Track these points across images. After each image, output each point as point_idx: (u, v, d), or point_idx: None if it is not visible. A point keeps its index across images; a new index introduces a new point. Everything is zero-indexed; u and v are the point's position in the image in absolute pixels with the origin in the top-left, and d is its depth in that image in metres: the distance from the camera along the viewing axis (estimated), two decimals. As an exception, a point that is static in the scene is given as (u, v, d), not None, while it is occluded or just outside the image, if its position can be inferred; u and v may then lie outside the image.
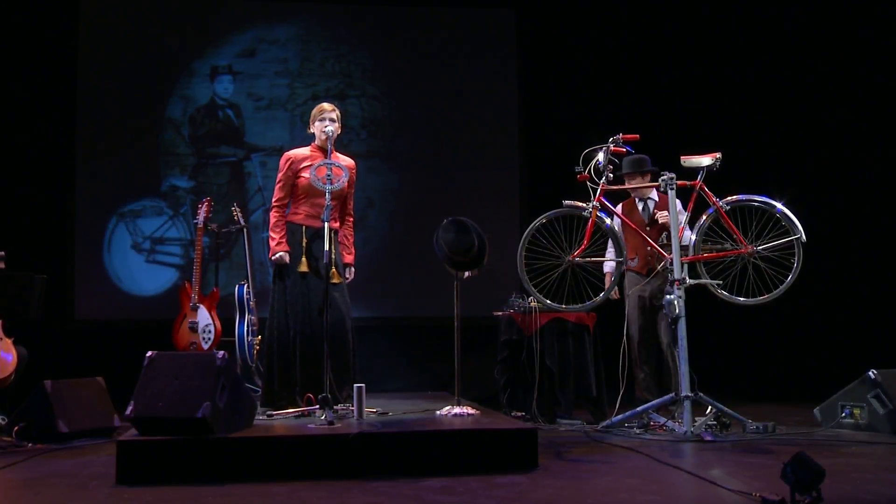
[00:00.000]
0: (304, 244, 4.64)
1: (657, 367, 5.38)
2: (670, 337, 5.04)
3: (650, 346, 5.35)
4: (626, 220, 5.05)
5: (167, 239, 7.58)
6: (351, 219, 4.92)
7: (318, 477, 3.38)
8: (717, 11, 7.80)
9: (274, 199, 4.77)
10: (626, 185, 5.33)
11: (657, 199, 5.46)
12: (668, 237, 4.85)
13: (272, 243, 4.69)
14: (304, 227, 4.68)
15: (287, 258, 4.65)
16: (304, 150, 4.81)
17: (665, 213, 5.11)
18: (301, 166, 4.71)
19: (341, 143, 7.75)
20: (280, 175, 4.76)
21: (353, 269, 4.86)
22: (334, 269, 4.56)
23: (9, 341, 4.67)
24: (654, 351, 5.37)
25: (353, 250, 4.87)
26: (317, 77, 7.88)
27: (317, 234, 4.61)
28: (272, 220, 4.75)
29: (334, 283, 4.55)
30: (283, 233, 4.70)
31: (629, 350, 5.18)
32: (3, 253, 4.80)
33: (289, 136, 7.67)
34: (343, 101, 7.75)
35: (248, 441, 3.51)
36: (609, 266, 5.46)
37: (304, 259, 4.62)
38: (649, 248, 5.21)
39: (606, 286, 5.14)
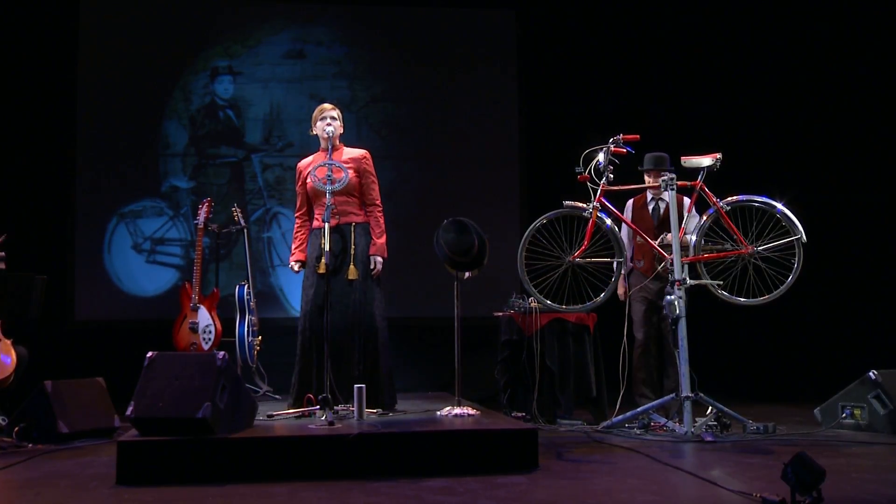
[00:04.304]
0: (321, 246, 4.63)
1: (660, 368, 5.38)
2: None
3: (649, 347, 5.34)
4: (624, 219, 5.01)
5: (167, 239, 7.58)
6: (375, 208, 4.80)
7: (319, 477, 3.38)
8: (717, 11, 7.80)
9: (295, 210, 4.91)
10: (626, 186, 5.31)
11: (668, 200, 5.43)
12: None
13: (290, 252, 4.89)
14: (320, 230, 4.66)
15: (297, 267, 4.80)
16: (310, 157, 4.85)
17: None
18: (306, 172, 4.74)
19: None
20: (297, 186, 4.87)
21: (378, 259, 4.73)
22: (352, 266, 4.59)
23: (8, 342, 4.66)
24: (652, 352, 5.36)
25: (377, 241, 4.74)
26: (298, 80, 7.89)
27: (332, 233, 4.56)
28: (294, 230, 4.91)
29: (350, 280, 4.58)
30: (299, 243, 4.81)
31: (630, 350, 5.18)
32: (3, 253, 4.80)
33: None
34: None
35: (249, 441, 3.50)
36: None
37: (322, 261, 4.60)
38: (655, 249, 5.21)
39: (619, 285, 5.16)
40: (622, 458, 3.89)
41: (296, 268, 4.81)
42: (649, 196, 5.46)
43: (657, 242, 5.02)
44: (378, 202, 4.83)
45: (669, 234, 5.08)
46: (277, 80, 7.82)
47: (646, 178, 5.33)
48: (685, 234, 4.84)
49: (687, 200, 5.15)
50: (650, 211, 5.40)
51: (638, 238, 5.13)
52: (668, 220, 5.28)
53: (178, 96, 7.72)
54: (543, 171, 7.68)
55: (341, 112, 4.86)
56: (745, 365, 7.40)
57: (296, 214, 4.90)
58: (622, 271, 5.00)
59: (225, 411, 3.57)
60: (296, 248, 4.82)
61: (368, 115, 7.92)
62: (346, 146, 4.86)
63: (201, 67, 7.77)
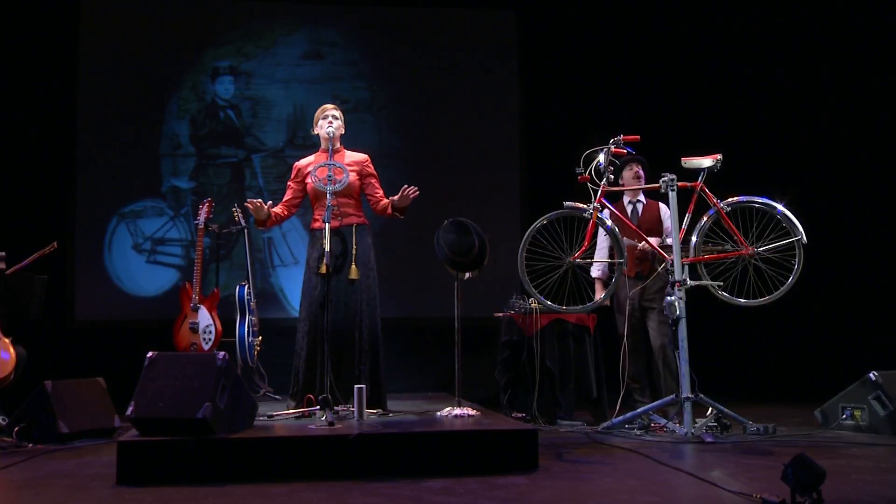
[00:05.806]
0: (322, 247, 4.62)
1: (647, 369, 5.38)
2: (668, 338, 5.03)
3: (638, 348, 5.34)
4: (625, 220, 5.01)
5: (168, 239, 7.58)
6: (382, 201, 4.80)
7: (319, 478, 3.38)
8: (717, 12, 7.80)
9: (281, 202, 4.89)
10: (626, 187, 5.33)
11: (645, 201, 5.45)
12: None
13: None
14: (321, 231, 4.65)
15: (254, 205, 4.67)
16: (310, 157, 4.83)
17: (653, 240, 5.13)
18: (307, 171, 4.73)
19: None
20: (290, 181, 4.86)
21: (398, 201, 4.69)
22: (353, 266, 4.58)
23: (7, 341, 4.67)
24: (642, 353, 5.36)
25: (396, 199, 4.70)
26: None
27: (333, 235, 4.56)
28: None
29: (352, 280, 4.58)
30: (276, 209, 4.77)
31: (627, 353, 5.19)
32: (3, 253, 4.80)
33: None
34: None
35: (249, 442, 3.50)
36: (596, 271, 5.44)
37: (323, 262, 4.59)
38: (637, 251, 5.20)
39: (597, 290, 5.17)
40: (622, 458, 3.89)
41: (254, 204, 4.66)
42: (626, 199, 5.47)
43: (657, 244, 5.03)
44: (384, 198, 4.83)
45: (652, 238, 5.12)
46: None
47: (623, 174, 5.31)
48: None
49: (664, 206, 5.17)
50: (629, 214, 5.40)
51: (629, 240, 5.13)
52: (647, 221, 5.31)
53: (180, 96, 7.73)
54: (543, 171, 7.68)
55: (342, 113, 4.86)
56: (745, 365, 7.40)
57: (282, 203, 4.86)
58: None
59: (225, 411, 3.57)
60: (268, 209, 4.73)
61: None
62: (347, 149, 4.85)
63: (208, 67, 7.78)
